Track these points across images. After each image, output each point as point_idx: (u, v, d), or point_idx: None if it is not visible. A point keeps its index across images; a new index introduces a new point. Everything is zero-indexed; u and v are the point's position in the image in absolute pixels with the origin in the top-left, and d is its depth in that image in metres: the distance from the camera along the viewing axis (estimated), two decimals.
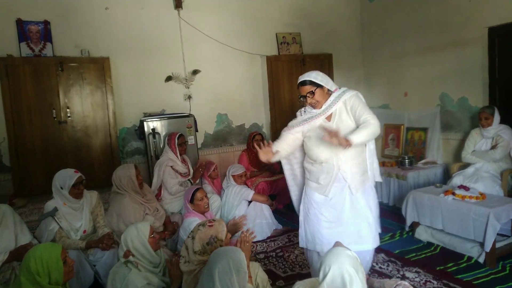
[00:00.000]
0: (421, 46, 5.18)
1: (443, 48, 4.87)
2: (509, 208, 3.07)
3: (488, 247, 2.97)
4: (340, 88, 2.52)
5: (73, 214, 2.93)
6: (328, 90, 2.48)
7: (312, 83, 2.43)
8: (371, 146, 2.58)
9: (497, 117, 3.85)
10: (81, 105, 4.37)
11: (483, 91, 4.48)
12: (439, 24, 4.88)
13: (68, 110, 4.30)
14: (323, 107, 2.48)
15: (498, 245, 3.08)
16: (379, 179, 2.64)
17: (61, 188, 2.87)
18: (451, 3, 4.70)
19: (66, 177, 2.89)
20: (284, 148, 2.56)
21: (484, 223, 2.99)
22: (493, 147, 3.83)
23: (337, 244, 2.06)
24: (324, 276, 1.73)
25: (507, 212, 3.05)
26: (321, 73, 2.49)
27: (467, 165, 4.01)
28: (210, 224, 2.35)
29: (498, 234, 3.03)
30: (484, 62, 4.42)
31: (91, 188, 3.24)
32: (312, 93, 2.43)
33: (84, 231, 2.97)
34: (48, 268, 1.95)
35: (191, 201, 3.26)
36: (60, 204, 2.88)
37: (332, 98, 2.47)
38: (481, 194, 3.28)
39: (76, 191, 2.91)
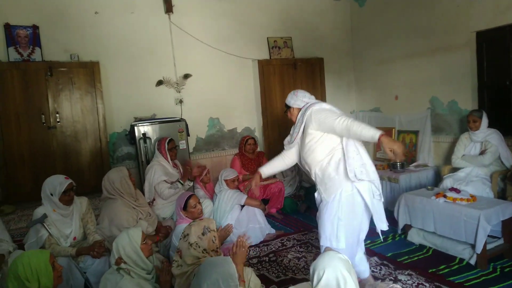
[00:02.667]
0: (410, 51, 5.24)
1: (432, 52, 4.93)
2: (499, 210, 3.10)
3: (479, 249, 2.99)
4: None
5: (63, 221, 2.89)
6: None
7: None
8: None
9: (485, 121, 3.89)
10: (70, 110, 4.32)
11: (472, 94, 4.53)
12: (428, 28, 4.94)
13: (57, 115, 4.24)
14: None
15: (488, 246, 3.11)
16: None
17: (51, 194, 2.82)
18: (439, 8, 4.77)
19: (57, 183, 2.84)
20: None
21: (475, 225, 3.01)
22: (482, 152, 3.87)
23: (327, 249, 2.08)
24: (319, 280, 1.73)
25: (497, 214, 3.08)
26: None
27: (458, 168, 4.05)
28: (200, 219, 2.46)
29: (488, 235, 3.06)
30: (473, 66, 4.48)
31: (81, 194, 3.19)
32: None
33: (74, 238, 2.93)
34: (37, 273, 1.94)
35: (185, 208, 3.23)
36: (49, 211, 2.83)
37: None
38: (472, 196, 3.31)
39: (66, 198, 2.86)
